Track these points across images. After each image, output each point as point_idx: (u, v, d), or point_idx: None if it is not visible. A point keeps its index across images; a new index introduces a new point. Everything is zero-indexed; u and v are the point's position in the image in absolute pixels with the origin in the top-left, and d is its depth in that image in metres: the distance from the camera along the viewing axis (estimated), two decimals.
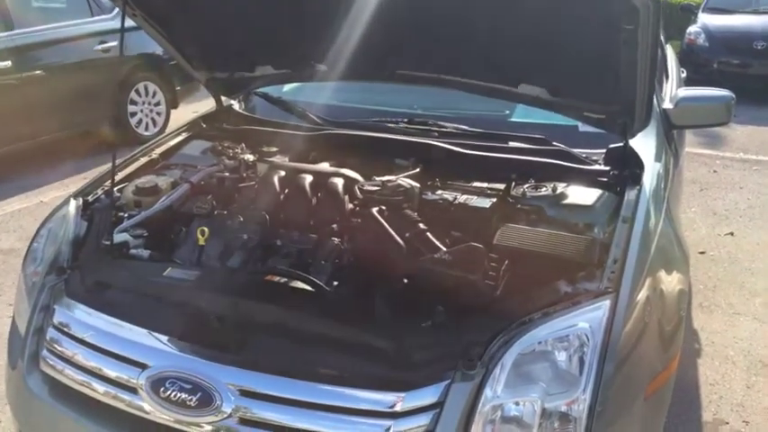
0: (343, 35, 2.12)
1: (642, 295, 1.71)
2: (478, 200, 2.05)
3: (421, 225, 1.95)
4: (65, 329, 1.80)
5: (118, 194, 2.27)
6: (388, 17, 1.97)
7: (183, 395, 1.56)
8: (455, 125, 2.45)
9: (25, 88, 5.38)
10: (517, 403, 1.52)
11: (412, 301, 1.70)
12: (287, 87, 3.03)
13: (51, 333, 1.83)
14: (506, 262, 1.80)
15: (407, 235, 1.92)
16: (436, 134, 2.42)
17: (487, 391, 1.50)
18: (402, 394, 1.49)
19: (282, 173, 2.25)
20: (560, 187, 2.06)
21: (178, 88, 6.62)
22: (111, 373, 1.68)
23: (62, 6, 5.97)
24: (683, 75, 4.41)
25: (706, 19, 9.03)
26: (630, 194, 1.97)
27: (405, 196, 2.06)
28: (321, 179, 2.19)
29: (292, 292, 1.76)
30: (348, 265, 1.90)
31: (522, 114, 2.59)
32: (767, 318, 3.42)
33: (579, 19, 1.80)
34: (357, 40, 2.13)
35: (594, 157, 2.23)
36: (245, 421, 1.54)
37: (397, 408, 1.48)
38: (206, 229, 1.98)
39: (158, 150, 2.56)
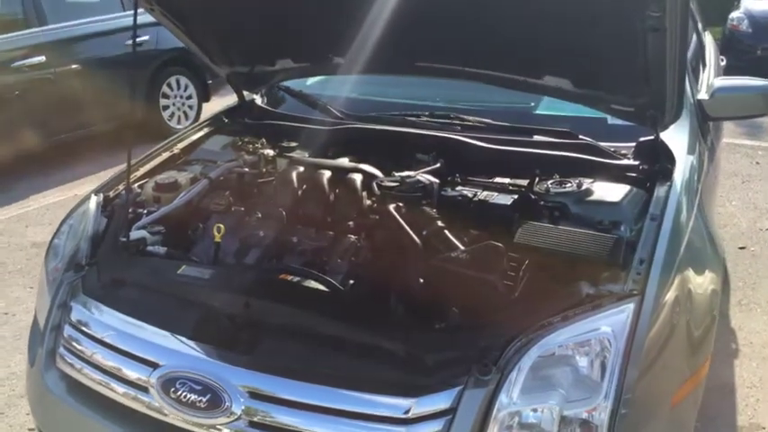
0: (362, 28, 2.07)
1: (670, 297, 1.63)
2: (500, 196, 1.98)
3: (439, 222, 1.90)
4: (81, 327, 1.81)
5: (138, 190, 2.27)
6: (408, 8, 1.91)
7: (193, 396, 1.54)
8: (477, 118, 2.39)
9: (59, 83, 5.47)
10: (535, 410, 1.46)
11: (427, 302, 1.65)
12: (310, 81, 3.00)
13: (68, 330, 1.83)
14: (526, 262, 1.74)
15: (425, 233, 1.87)
16: (458, 128, 2.36)
17: (503, 398, 1.45)
18: (414, 399, 1.45)
19: (300, 169, 2.22)
20: (586, 183, 1.98)
21: (209, 82, 6.66)
22: (124, 371, 1.68)
23: (94, 1, 6.04)
24: (723, 63, 4.24)
25: (750, 4, 8.70)
26: (660, 190, 1.89)
27: (423, 192, 2.01)
28: (339, 175, 2.16)
29: (305, 291, 1.73)
30: (364, 263, 1.86)
31: (548, 107, 2.51)
32: None
33: (605, 6, 1.72)
34: (377, 33, 2.08)
35: (624, 151, 2.14)
36: (254, 424, 1.52)
37: (409, 414, 1.44)
38: (222, 226, 1.96)
39: (180, 145, 2.56)
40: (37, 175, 5.44)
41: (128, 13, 5.98)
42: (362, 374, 1.52)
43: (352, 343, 1.56)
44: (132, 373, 1.66)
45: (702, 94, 2.60)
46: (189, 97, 6.61)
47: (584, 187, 1.96)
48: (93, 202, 2.16)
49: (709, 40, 4.23)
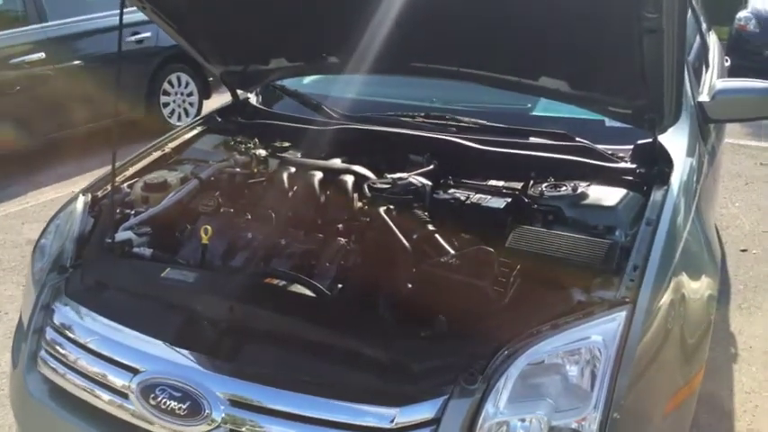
0: (357, 27, 2.04)
1: (664, 304, 1.60)
2: (493, 200, 1.95)
3: (430, 226, 1.87)
4: (63, 330, 1.78)
5: (128, 190, 2.24)
6: (404, 8, 1.88)
7: (173, 403, 1.52)
8: (473, 120, 2.35)
9: (59, 79, 5.44)
10: (523, 420, 1.43)
11: (414, 309, 1.61)
12: (306, 80, 2.96)
13: (50, 333, 1.80)
14: (518, 267, 1.70)
15: (415, 236, 1.83)
16: (453, 129, 2.32)
17: (489, 408, 1.41)
18: (397, 409, 1.41)
19: (291, 169, 2.19)
20: (581, 186, 1.94)
21: (210, 79, 6.62)
22: (105, 377, 1.65)
23: None
24: (727, 64, 4.18)
25: (757, 3, 8.59)
26: (657, 195, 1.86)
27: (415, 195, 1.97)
28: (330, 176, 2.12)
29: (290, 296, 1.70)
30: (352, 267, 1.82)
31: (545, 108, 2.47)
32: None
33: (601, 7, 1.69)
34: (372, 33, 2.04)
35: (621, 154, 2.10)
36: None
37: (393, 423, 1.41)
38: (209, 227, 1.92)
39: (171, 144, 2.53)
40: (35, 171, 5.42)
41: (129, 9, 5.94)
42: (346, 382, 1.49)
43: (336, 350, 1.53)
44: (113, 378, 1.63)
45: (703, 96, 2.55)
46: (190, 94, 6.58)
47: (579, 191, 1.92)
48: (81, 202, 2.13)
49: (713, 40, 4.17)
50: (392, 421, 1.41)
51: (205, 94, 6.70)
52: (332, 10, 2.11)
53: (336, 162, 2.24)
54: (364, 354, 1.50)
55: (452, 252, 1.77)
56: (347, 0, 2.00)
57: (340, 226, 1.95)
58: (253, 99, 2.84)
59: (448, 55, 2.16)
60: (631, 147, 2.09)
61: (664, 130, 1.99)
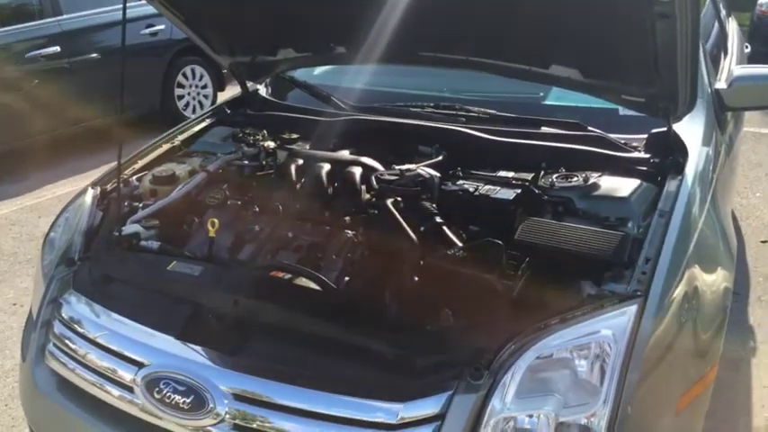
0: (364, 17, 2.02)
1: (676, 298, 1.56)
2: (502, 191, 1.91)
3: (437, 218, 1.84)
4: (70, 324, 1.78)
5: (136, 183, 2.24)
6: None
7: (177, 397, 1.51)
8: (482, 109, 2.31)
9: (74, 73, 5.47)
10: (530, 416, 1.40)
11: (421, 303, 1.59)
12: (317, 71, 2.94)
13: (58, 327, 1.81)
14: (527, 259, 1.67)
15: (422, 229, 1.80)
16: (463, 119, 2.29)
17: (495, 403, 1.39)
18: (402, 404, 1.39)
19: (299, 161, 2.17)
20: (593, 177, 1.90)
21: (225, 71, 6.59)
22: (111, 370, 1.65)
23: None
24: (747, 50, 4.09)
25: None
26: (671, 185, 1.81)
27: (423, 186, 1.94)
28: (338, 168, 2.10)
29: (296, 290, 1.68)
30: (359, 260, 1.80)
31: (558, 97, 2.43)
32: None
33: None
34: (379, 22, 2.02)
35: (635, 144, 2.06)
36: (239, 427, 1.48)
37: (396, 419, 1.39)
38: (216, 220, 1.91)
39: (181, 137, 2.52)
40: (52, 165, 5.46)
41: (142, 2, 5.95)
42: (350, 377, 1.47)
43: (340, 344, 1.51)
44: (118, 372, 1.63)
45: (721, 84, 2.49)
46: (204, 87, 6.60)
47: (590, 181, 1.88)
48: (89, 196, 2.13)
49: (733, 26, 4.08)
50: (396, 417, 1.39)
51: (219, 86, 6.70)
52: (339, 0, 2.09)
53: (344, 153, 2.22)
54: (369, 348, 1.48)
55: (460, 244, 1.74)
56: None
57: (347, 218, 1.93)
58: (262, 90, 2.83)
59: (457, 44, 2.13)
60: (645, 136, 2.04)
61: (678, 119, 1.94)
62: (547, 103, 2.47)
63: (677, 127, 1.97)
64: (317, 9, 2.22)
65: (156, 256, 1.88)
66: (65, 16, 5.49)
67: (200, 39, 2.49)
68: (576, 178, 1.91)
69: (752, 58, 4.11)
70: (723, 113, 2.46)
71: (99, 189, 2.18)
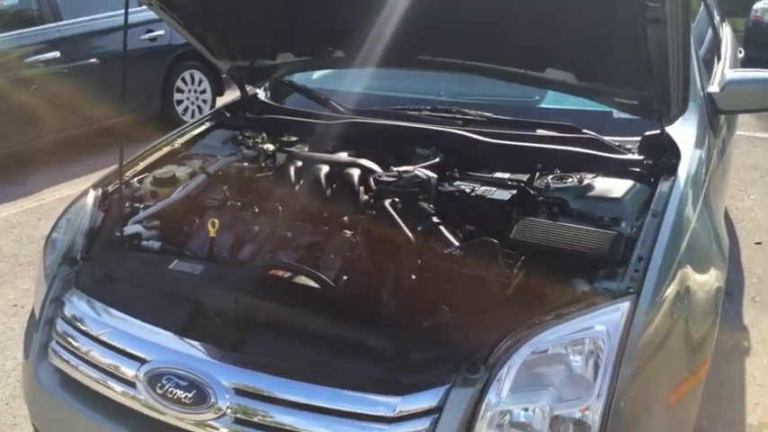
0: (363, 21, 2.05)
1: (668, 295, 1.60)
2: (498, 192, 1.95)
3: (434, 218, 1.87)
4: (73, 322, 1.81)
5: (137, 185, 2.27)
6: (409, 1, 1.88)
7: (179, 392, 1.54)
8: (479, 112, 2.35)
9: (74, 78, 5.51)
10: (526, 409, 1.43)
11: (418, 300, 1.62)
12: (315, 75, 2.98)
13: (60, 325, 1.84)
14: (522, 258, 1.71)
15: (420, 229, 1.84)
16: (460, 122, 2.33)
17: (491, 397, 1.42)
18: (400, 398, 1.43)
19: (298, 163, 2.20)
20: (587, 178, 1.94)
21: (223, 76, 6.66)
22: (113, 367, 1.68)
23: None
24: (741, 55, 4.14)
25: None
26: (664, 186, 1.85)
27: (420, 188, 1.98)
28: (337, 170, 2.13)
29: (295, 287, 1.72)
30: (358, 259, 1.84)
31: (553, 100, 2.46)
32: None
33: None
34: (378, 26, 2.05)
35: (629, 146, 2.10)
36: (240, 421, 1.51)
37: (395, 412, 1.42)
38: (216, 220, 1.94)
39: (180, 140, 2.56)
40: (52, 168, 5.49)
41: (142, 7, 5.98)
42: (349, 372, 1.50)
43: (339, 340, 1.55)
44: (121, 368, 1.66)
45: (714, 87, 2.53)
46: (203, 91, 6.64)
47: (585, 183, 1.92)
48: (91, 197, 2.17)
49: (726, 31, 4.13)
50: (395, 409, 1.42)
51: (218, 91, 6.74)
52: (338, 4, 2.12)
53: (343, 156, 2.25)
54: (368, 344, 1.51)
55: (456, 244, 1.78)
56: None
57: (346, 219, 1.97)
58: (261, 94, 2.87)
59: (454, 48, 2.17)
60: (639, 138, 2.08)
61: (671, 121, 1.98)
62: (542, 106, 2.51)
63: (670, 129, 2.01)
64: (315, 14, 2.26)
65: (158, 255, 1.91)
66: (64, 22, 5.52)
67: (200, 43, 2.53)
68: (570, 179, 1.95)
69: (746, 63, 4.16)
70: (716, 117, 2.50)
71: (100, 191, 2.21)
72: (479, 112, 2.35)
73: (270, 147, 2.38)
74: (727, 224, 3.80)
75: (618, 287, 1.55)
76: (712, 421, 2.50)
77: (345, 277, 1.78)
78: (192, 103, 6.56)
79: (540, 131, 2.20)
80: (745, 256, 3.75)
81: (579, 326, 1.48)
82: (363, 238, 1.86)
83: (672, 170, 1.92)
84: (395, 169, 2.08)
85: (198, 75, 6.54)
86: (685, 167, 1.95)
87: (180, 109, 6.43)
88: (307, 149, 2.40)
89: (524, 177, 2.03)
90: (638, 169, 1.99)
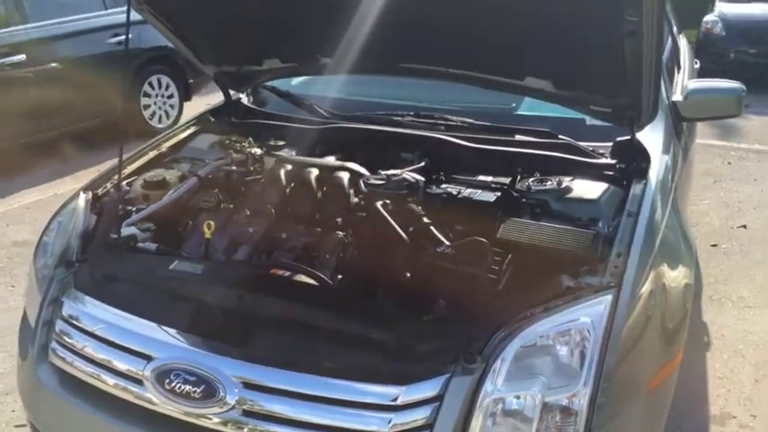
0: (348, 29, 2.12)
1: (645, 289, 1.71)
2: (483, 194, 2.05)
3: (425, 219, 1.96)
4: (73, 321, 1.83)
5: (127, 188, 2.30)
6: (394, 10, 1.96)
7: (188, 387, 1.58)
8: (461, 118, 2.45)
9: (39, 81, 5.43)
10: (518, 397, 1.53)
11: (414, 295, 1.71)
12: (296, 81, 3.03)
13: (60, 325, 1.86)
14: (510, 256, 1.81)
15: (411, 229, 1.92)
16: (442, 127, 2.42)
17: (488, 385, 1.51)
18: (403, 387, 1.50)
19: (288, 167, 2.26)
20: (566, 181, 2.05)
21: (191, 81, 6.66)
22: (118, 364, 1.71)
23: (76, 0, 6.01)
24: (697, 66, 4.35)
25: (723, 8, 8.88)
26: (636, 188, 1.97)
27: (409, 190, 2.06)
28: (326, 173, 2.20)
29: (296, 285, 1.78)
30: (352, 258, 1.91)
31: (529, 107, 2.58)
32: None
33: (584, 10, 1.79)
34: (362, 34, 2.13)
35: (601, 151, 2.22)
36: (248, 413, 1.57)
37: (398, 400, 1.50)
38: (212, 222, 1.99)
39: (167, 144, 2.58)
40: (16, 174, 5.40)
41: (109, 11, 5.95)
42: (352, 364, 1.57)
43: (342, 334, 1.61)
44: (126, 365, 1.70)
45: (677, 96, 2.69)
46: (170, 96, 6.60)
47: (563, 185, 2.03)
48: (83, 200, 2.18)
49: (683, 43, 4.35)
50: (397, 399, 1.50)
51: (186, 96, 6.72)
52: (324, 12, 2.19)
53: (331, 160, 2.32)
54: (370, 337, 1.58)
55: (447, 243, 1.87)
56: (339, 2, 2.08)
57: (338, 220, 2.04)
58: (244, 99, 2.91)
59: (436, 56, 2.25)
60: (610, 144, 2.20)
61: (641, 128, 2.10)
62: (519, 113, 2.63)
63: (639, 135, 2.14)
64: (303, 21, 2.32)
65: (156, 256, 1.95)
66: (31, 24, 5.44)
67: (188, 48, 2.57)
68: (550, 182, 2.06)
69: (700, 73, 4.37)
70: (680, 124, 2.66)
71: (91, 194, 2.23)
72: (461, 118, 2.44)
73: (257, 151, 2.43)
74: None
75: (600, 282, 1.66)
76: (678, 411, 2.62)
77: (344, 276, 1.85)
78: (160, 108, 6.51)
79: (519, 137, 2.31)
80: (701, 257, 3.93)
81: (566, 318, 1.58)
82: (358, 239, 1.94)
83: (643, 174, 2.04)
84: (383, 173, 2.16)
85: (165, 79, 6.50)
86: (655, 171, 2.07)
87: (147, 114, 6.38)
88: (294, 154, 2.46)
89: (506, 180, 2.13)
90: (611, 173, 2.11)
